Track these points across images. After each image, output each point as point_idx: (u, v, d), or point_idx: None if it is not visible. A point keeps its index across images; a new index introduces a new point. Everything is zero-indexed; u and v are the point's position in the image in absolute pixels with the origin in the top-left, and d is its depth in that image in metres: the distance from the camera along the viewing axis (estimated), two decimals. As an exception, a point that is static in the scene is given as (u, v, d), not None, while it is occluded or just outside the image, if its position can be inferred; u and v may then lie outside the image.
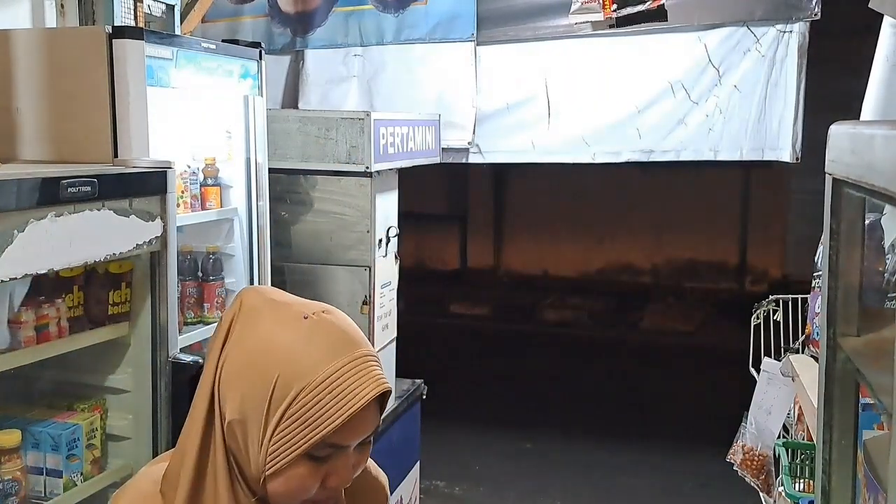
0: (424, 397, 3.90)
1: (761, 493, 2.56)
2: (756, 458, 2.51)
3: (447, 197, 11.06)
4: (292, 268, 3.30)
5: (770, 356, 2.54)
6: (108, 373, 2.28)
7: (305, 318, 1.07)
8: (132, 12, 3.29)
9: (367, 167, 3.14)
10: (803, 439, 2.43)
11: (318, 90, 4.44)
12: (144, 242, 2.11)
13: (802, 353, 2.50)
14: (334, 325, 1.08)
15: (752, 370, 2.59)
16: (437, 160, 3.83)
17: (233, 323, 1.10)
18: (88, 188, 1.92)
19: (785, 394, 2.43)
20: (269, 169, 3.00)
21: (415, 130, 3.54)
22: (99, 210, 1.95)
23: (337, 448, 1.06)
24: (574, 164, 4.02)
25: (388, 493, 1.32)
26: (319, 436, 1.03)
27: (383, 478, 1.31)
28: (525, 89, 4.03)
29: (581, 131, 3.94)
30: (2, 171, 1.82)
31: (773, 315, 2.60)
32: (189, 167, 2.82)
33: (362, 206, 3.21)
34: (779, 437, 2.49)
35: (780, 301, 2.64)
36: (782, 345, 2.61)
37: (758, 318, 2.62)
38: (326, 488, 1.08)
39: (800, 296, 2.65)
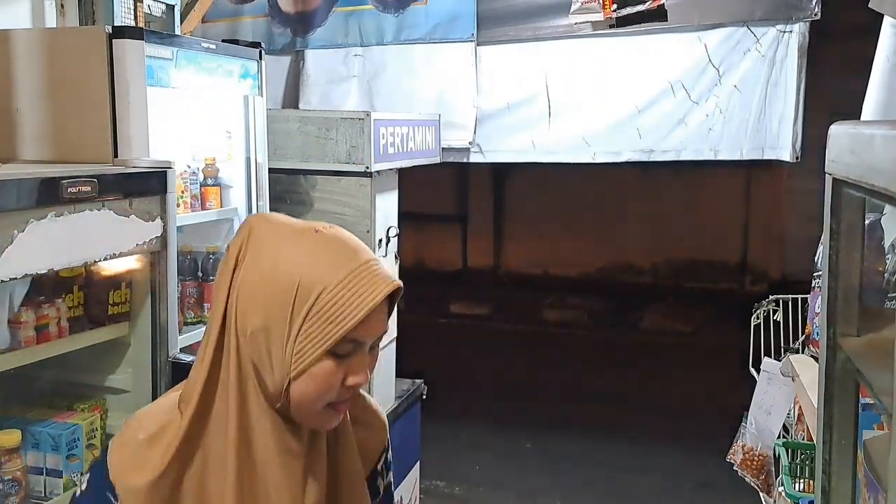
0: (424, 397, 3.90)
1: (761, 493, 2.56)
2: (756, 458, 2.50)
3: (447, 197, 11.05)
4: (292, 268, 3.29)
5: (770, 356, 2.54)
6: (108, 373, 2.28)
7: (316, 231, 1.15)
8: (132, 12, 3.29)
9: (367, 167, 3.14)
10: (803, 439, 2.42)
11: (319, 90, 4.44)
12: (144, 242, 2.11)
13: (802, 353, 2.50)
14: (343, 237, 1.17)
15: (752, 370, 2.59)
16: (437, 160, 3.83)
17: (242, 248, 1.15)
18: (88, 188, 1.92)
19: (785, 394, 2.43)
20: (269, 169, 3.01)
21: (415, 130, 3.54)
22: (99, 210, 1.95)
23: (357, 344, 1.14)
24: (574, 163, 4.02)
25: (387, 424, 1.38)
26: (343, 330, 1.10)
27: (382, 413, 1.37)
28: (525, 89, 4.04)
29: (581, 131, 3.95)
30: (2, 171, 1.82)
31: (773, 315, 2.60)
32: (189, 167, 2.82)
33: (362, 206, 3.21)
34: (779, 437, 2.49)
35: (780, 301, 2.64)
36: (782, 345, 2.61)
37: (758, 318, 2.62)
38: (346, 388, 1.14)
39: (800, 296, 2.65)
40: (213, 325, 1.15)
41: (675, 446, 5.41)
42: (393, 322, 3.50)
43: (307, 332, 1.09)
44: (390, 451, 1.38)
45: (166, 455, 1.12)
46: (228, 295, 1.14)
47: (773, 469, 2.49)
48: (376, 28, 4.25)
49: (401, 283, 1.16)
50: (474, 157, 4.15)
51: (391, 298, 1.16)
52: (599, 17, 3.79)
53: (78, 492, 1.20)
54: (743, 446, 2.54)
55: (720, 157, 3.79)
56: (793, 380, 2.35)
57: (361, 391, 1.26)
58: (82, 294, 2.14)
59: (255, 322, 1.11)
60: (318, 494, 1.17)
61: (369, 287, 1.11)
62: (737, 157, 3.76)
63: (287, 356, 1.10)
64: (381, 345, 3.63)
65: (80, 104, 2.29)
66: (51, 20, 3.19)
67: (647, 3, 3.70)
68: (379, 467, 1.34)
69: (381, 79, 4.30)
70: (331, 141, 3.17)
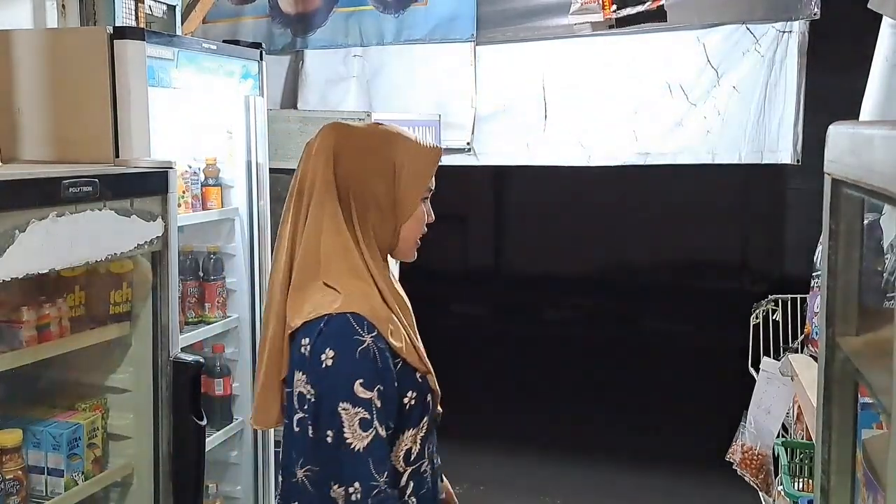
0: (424, 397, 3.89)
1: (760, 493, 2.57)
2: (755, 457, 2.51)
3: (447, 197, 11.03)
4: (293, 268, 3.30)
5: (769, 356, 2.54)
6: (110, 372, 2.29)
7: (379, 124, 1.70)
8: (133, 13, 3.30)
9: (368, 167, 3.15)
10: (802, 438, 2.43)
11: (317, 90, 4.44)
12: (146, 242, 2.12)
13: (801, 352, 2.51)
14: (392, 124, 1.69)
15: (752, 370, 2.59)
16: (437, 160, 3.83)
17: (337, 146, 1.59)
18: (90, 188, 1.92)
19: (784, 393, 2.43)
20: (270, 169, 3.01)
21: (415, 131, 3.54)
22: (100, 210, 1.96)
23: (429, 191, 1.64)
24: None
25: None
26: (428, 180, 1.62)
27: None
28: (522, 90, 4.03)
29: (577, 134, 3.92)
30: (3, 171, 1.83)
31: (773, 315, 2.60)
32: (190, 167, 2.82)
33: (363, 206, 3.21)
34: (778, 436, 2.49)
35: (780, 301, 2.64)
36: (781, 344, 2.61)
37: (757, 317, 2.62)
38: (427, 225, 1.66)
39: (799, 295, 2.65)
40: (326, 210, 1.56)
41: (674, 445, 5.42)
42: (393, 322, 3.52)
43: (407, 188, 1.58)
44: None
45: (370, 283, 1.56)
46: (334, 175, 1.56)
47: (773, 468, 2.49)
48: (376, 29, 4.25)
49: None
50: (468, 160, 4.13)
51: None
52: (599, 17, 3.79)
53: (324, 361, 1.46)
54: (742, 445, 2.55)
55: (718, 161, 3.76)
56: (792, 379, 2.36)
57: None
58: (84, 294, 2.15)
59: (370, 191, 1.57)
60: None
61: (431, 149, 1.65)
62: (735, 161, 3.73)
63: (401, 207, 1.59)
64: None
65: (82, 104, 2.29)
66: (52, 20, 3.20)
67: (647, 3, 3.70)
68: None
69: (379, 79, 4.30)
70: (331, 141, 3.17)
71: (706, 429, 4.66)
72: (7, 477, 1.95)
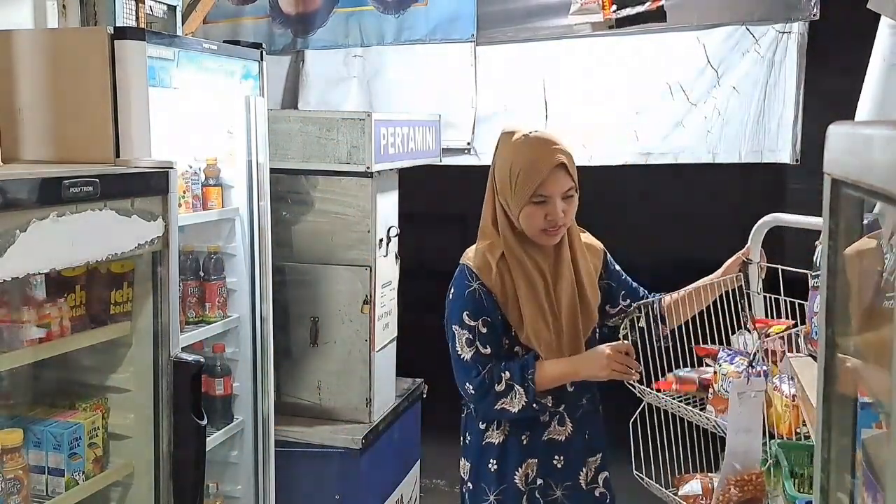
0: (424, 396, 3.90)
1: None
2: (754, 479, 2.39)
3: (447, 197, 11.03)
4: (293, 267, 3.30)
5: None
6: (110, 372, 2.29)
7: (525, 135, 2.15)
8: (134, 13, 3.30)
9: (368, 167, 3.15)
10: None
11: (318, 90, 4.45)
12: (146, 242, 2.12)
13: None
14: (538, 137, 2.15)
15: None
16: (437, 160, 3.84)
17: (497, 148, 2.22)
18: (90, 188, 1.92)
19: (755, 405, 2.32)
20: (271, 169, 3.01)
21: (415, 131, 3.55)
22: (101, 210, 1.96)
23: (546, 196, 2.11)
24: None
25: (602, 249, 2.47)
26: (532, 189, 2.10)
27: (597, 243, 2.46)
28: (522, 90, 4.04)
29: (578, 134, 3.92)
30: (4, 171, 1.83)
31: (638, 322, 2.53)
32: (191, 167, 2.83)
33: (363, 206, 3.22)
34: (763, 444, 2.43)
35: (642, 307, 2.55)
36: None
37: (625, 328, 2.55)
38: (546, 220, 2.13)
39: (769, 294, 2.56)
40: (487, 195, 2.26)
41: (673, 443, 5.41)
42: (393, 321, 3.52)
43: (518, 192, 2.12)
44: (609, 257, 2.47)
45: (496, 251, 2.19)
46: (493, 175, 2.22)
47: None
48: (377, 29, 4.26)
49: (564, 158, 2.12)
50: (468, 160, 4.13)
51: (568, 166, 2.13)
52: (599, 17, 3.80)
53: (450, 296, 2.22)
54: (735, 479, 2.37)
55: (718, 161, 3.78)
56: (791, 379, 2.35)
57: (582, 234, 2.37)
58: (84, 293, 2.15)
59: (500, 188, 2.18)
60: (569, 279, 2.24)
61: (539, 166, 2.10)
62: (735, 160, 3.75)
63: (513, 204, 2.14)
64: (382, 345, 3.70)
65: (82, 104, 2.30)
66: (52, 21, 3.20)
67: (647, 4, 3.70)
68: (601, 273, 2.40)
69: (380, 79, 4.31)
70: (332, 141, 3.18)
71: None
72: (8, 476, 1.95)
